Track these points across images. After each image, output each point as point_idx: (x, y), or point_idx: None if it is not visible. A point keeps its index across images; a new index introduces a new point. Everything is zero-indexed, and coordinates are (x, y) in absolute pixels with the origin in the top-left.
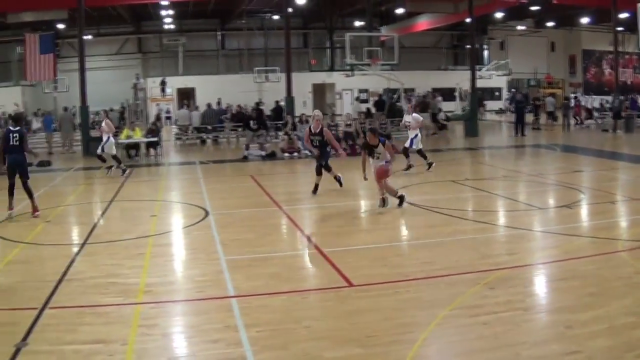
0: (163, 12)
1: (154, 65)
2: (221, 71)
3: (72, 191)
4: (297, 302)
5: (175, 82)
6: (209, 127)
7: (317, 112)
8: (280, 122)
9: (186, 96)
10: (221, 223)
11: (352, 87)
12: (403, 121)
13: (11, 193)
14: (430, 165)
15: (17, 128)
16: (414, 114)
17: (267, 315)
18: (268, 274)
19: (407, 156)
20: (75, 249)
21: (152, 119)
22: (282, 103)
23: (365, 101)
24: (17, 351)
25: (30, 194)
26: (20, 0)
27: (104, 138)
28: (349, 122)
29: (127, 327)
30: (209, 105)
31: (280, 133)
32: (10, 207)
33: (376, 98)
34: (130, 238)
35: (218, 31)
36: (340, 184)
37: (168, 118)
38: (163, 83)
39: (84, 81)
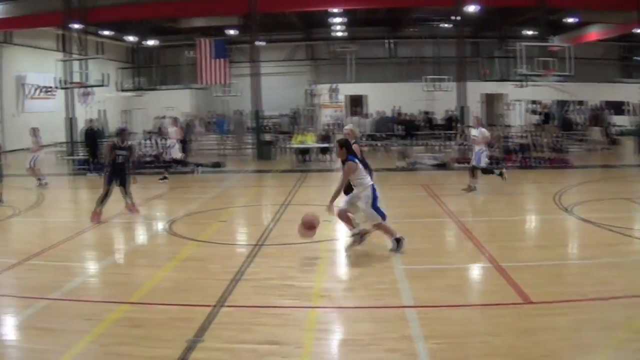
0: (333, 20)
1: (324, 72)
2: (391, 79)
3: (245, 193)
4: (474, 315)
5: (346, 89)
6: (381, 135)
7: (347, 126)
8: (452, 131)
9: (357, 103)
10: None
11: (522, 98)
12: (471, 135)
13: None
14: (470, 189)
15: None
16: (481, 128)
17: (444, 328)
18: (445, 286)
19: (472, 175)
20: (250, 250)
21: (323, 125)
22: (455, 112)
23: (536, 112)
24: (190, 346)
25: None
26: (193, 6)
27: (169, 143)
28: (524, 134)
29: (302, 330)
30: (380, 113)
31: (452, 143)
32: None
33: (545, 110)
34: (305, 242)
35: (388, 39)
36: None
37: (339, 124)
38: (334, 90)
39: (257, 86)
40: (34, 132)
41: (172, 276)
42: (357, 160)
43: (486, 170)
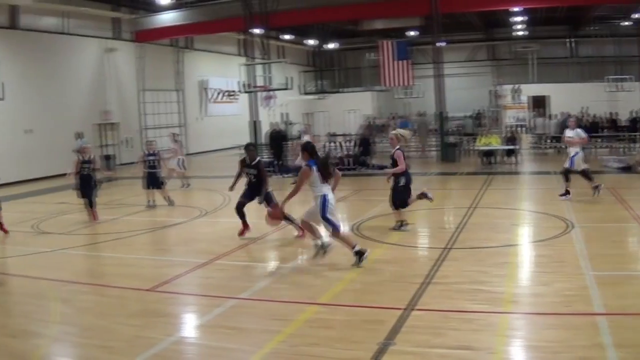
0: (513, 19)
1: (505, 72)
2: (573, 79)
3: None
4: None
5: (528, 90)
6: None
7: (394, 131)
8: (637, 133)
9: (539, 104)
10: (585, 236)
11: None
12: (564, 136)
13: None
14: (596, 188)
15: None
16: (577, 129)
17: (636, 336)
18: (636, 293)
19: (566, 179)
20: (439, 253)
21: (506, 126)
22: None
23: None
24: (382, 349)
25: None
26: (374, 8)
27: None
28: None
29: (494, 335)
30: (564, 114)
31: (637, 145)
32: None
33: None
34: (493, 246)
35: (569, 38)
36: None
37: (522, 126)
38: (516, 90)
39: (441, 87)
40: (174, 137)
41: (362, 278)
42: (313, 167)
43: (585, 175)
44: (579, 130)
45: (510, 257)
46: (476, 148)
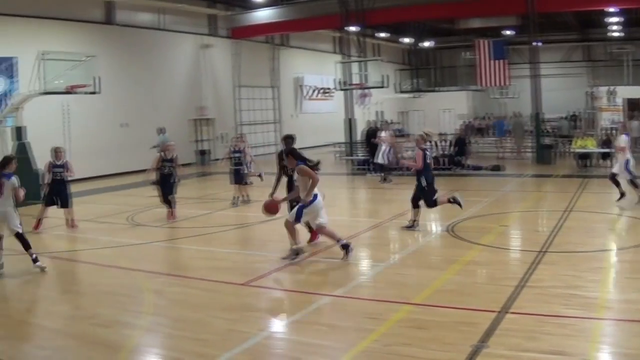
0: (609, 20)
1: (601, 74)
2: None
3: (525, 197)
4: None
5: (623, 92)
6: None
7: (422, 131)
8: None
9: (635, 107)
10: None
11: None
12: (620, 143)
13: None
14: (622, 195)
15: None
16: (622, 136)
17: None
18: None
19: (635, 186)
20: (534, 256)
21: (601, 129)
22: None
23: None
24: (475, 351)
25: None
26: (470, 7)
27: (384, 148)
28: None
29: (587, 341)
30: None
31: None
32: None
33: None
34: (589, 250)
35: None
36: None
37: (617, 129)
38: (612, 92)
39: (537, 88)
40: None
41: (456, 279)
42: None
43: (614, 179)
44: (623, 136)
45: (605, 262)
46: (572, 150)
